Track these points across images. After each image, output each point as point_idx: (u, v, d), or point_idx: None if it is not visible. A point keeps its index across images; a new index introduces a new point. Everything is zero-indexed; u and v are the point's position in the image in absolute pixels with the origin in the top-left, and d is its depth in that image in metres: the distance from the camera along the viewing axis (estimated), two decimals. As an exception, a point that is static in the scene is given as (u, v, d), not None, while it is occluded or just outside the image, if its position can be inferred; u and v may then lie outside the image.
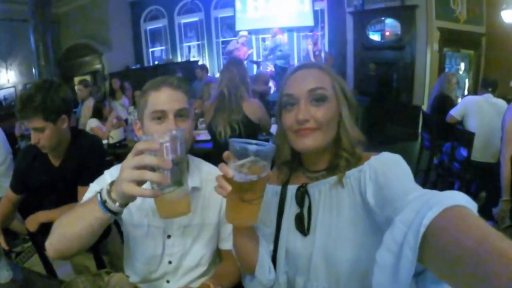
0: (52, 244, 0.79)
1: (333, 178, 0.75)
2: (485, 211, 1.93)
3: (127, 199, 0.68)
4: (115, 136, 3.12)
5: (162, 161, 0.60)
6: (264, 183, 0.64)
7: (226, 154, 0.66)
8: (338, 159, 0.74)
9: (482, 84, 3.10)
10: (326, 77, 0.75)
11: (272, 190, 0.87)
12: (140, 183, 0.63)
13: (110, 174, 0.98)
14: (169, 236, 0.96)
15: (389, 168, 0.65)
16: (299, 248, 0.77)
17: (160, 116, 0.86)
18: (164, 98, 0.87)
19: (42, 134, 1.27)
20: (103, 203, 0.69)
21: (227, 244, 1.00)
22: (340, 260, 0.70)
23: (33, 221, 1.36)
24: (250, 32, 7.42)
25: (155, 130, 0.86)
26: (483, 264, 0.34)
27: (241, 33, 6.98)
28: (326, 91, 0.73)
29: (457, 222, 0.42)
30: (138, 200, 0.93)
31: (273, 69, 6.61)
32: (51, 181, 1.42)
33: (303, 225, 0.77)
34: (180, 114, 0.88)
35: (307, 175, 0.79)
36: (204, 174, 1.00)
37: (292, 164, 0.85)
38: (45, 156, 1.40)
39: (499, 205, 1.85)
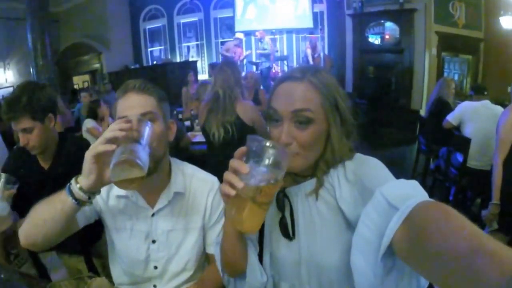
0: (22, 230, 0.83)
1: (312, 181, 0.74)
2: (480, 217, 1.94)
3: (90, 180, 0.73)
4: (111, 136, 3.10)
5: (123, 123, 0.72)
6: (279, 187, 0.61)
7: (241, 150, 0.61)
8: (317, 171, 0.73)
9: (475, 91, 3.10)
10: (314, 94, 0.69)
11: None
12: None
13: None
14: (154, 241, 0.97)
15: (361, 167, 0.68)
16: (285, 254, 0.76)
17: None
18: (128, 103, 0.87)
19: (30, 134, 1.28)
20: (69, 185, 0.76)
21: (214, 248, 0.99)
22: (327, 267, 0.69)
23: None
24: (250, 33, 7.43)
25: None
26: (476, 264, 0.33)
27: (236, 35, 6.97)
28: (311, 113, 0.68)
29: (437, 220, 0.40)
30: (121, 203, 0.96)
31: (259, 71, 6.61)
32: (41, 184, 1.41)
33: (287, 230, 0.75)
34: None
35: (294, 177, 0.77)
36: (187, 177, 1.00)
37: None
38: (35, 159, 1.40)
39: (488, 208, 1.86)
